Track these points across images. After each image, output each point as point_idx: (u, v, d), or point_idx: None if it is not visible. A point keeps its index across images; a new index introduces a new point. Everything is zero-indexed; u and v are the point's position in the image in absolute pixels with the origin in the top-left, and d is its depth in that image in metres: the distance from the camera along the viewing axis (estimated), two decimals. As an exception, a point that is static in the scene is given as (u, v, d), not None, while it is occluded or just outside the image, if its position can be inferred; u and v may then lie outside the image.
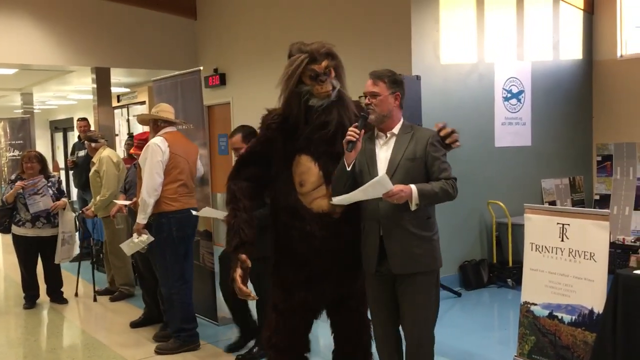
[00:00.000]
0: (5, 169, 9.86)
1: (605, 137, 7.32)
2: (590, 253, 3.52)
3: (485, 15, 6.43)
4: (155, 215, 4.44)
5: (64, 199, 6.06)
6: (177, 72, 5.75)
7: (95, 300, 6.19)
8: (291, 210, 3.07)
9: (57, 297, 6.18)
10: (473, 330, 5.06)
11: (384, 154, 2.97)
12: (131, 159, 6.06)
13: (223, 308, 4.78)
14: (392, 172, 2.90)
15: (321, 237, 3.02)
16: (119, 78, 11.04)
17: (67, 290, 6.33)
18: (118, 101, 13.41)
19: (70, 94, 13.82)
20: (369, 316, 3.25)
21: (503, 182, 6.60)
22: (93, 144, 6.36)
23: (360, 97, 3.09)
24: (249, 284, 3.18)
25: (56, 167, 9.63)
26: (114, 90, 11.42)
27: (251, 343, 4.48)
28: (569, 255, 3.62)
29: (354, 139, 2.86)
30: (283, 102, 3.13)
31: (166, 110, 4.72)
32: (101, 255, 6.95)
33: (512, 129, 6.74)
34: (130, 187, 5.26)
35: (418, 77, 5.38)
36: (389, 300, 3.03)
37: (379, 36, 6.28)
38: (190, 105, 5.32)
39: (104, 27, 8.77)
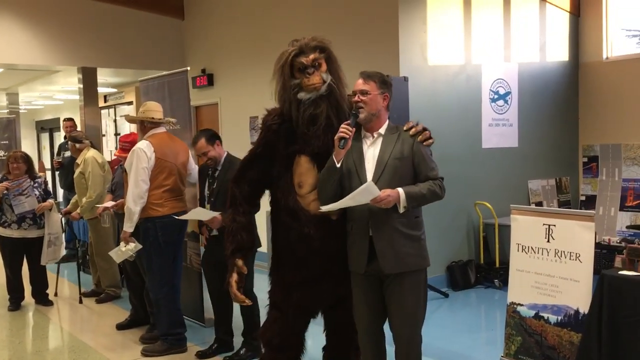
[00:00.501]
0: (-10, 169, 9.76)
1: (591, 138, 7.38)
2: (576, 254, 3.54)
3: (473, 17, 6.46)
4: (142, 220, 4.41)
5: (50, 200, 6.00)
6: (164, 73, 5.72)
7: (81, 302, 6.14)
8: (290, 212, 3.07)
9: (42, 299, 6.12)
10: (460, 331, 5.08)
11: (371, 153, 2.99)
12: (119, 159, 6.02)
13: (210, 310, 4.76)
14: (380, 172, 2.91)
15: (319, 239, 3.03)
16: (105, 78, 10.97)
17: (52, 292, 6.28)
18: (105, 101, 13.33)
19: (57, 94, 13.71)
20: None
21: (490, 183, 6.63)
22: (77, 145, 6.29)
23: (348, 95, 3.08)
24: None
25: (42, 168, 9.54)
26: (101, 90, 11.34)
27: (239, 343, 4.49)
28: (554, 256, 3.64)
29: (347, 136, 2.86)
30: (278, 98, 3.12)
31: (153, 110, 4.65)
32: (87, 256, 6.90)
33: (499, 130, 6.78)
34: (117, 188, 5.23)
35: (406, 78, 5.40)
36: (377, 301, 3.03)
37: (367, 37, 6.29)
38: (177, 105, 5.29)
39: (91, 27, 8.71)
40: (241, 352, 4.36)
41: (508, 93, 6.85)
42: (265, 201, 3.33)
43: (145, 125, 4.62)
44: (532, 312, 3.74)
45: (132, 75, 10.36)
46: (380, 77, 3.01)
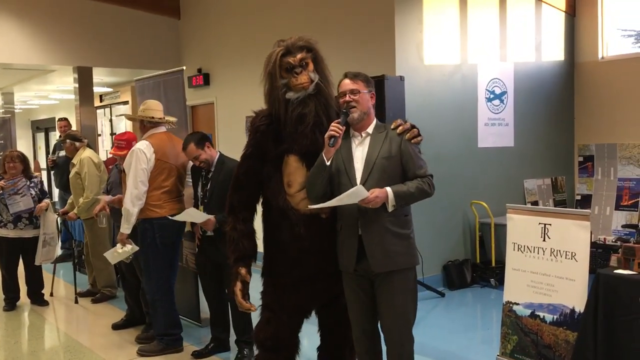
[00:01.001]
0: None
1: (587, 138, 7.40)
2: (572, 253, 3.55)
3: (469, 17, 6.47)
4: (140, 221, 4.38)
5: (47, 200, 5.99)
6: (160, 72, 5.71)
7: (76, 302, 6.12)
8: (280, 211, 3.07)
9: (37, 299, 6.11)
10: (456, 330, 5.08)
11: (360, 153, 2.99)
12: (115, 159, 6.00)
13: (206, 309, 4.76)
14: (368, 171, 2.92)
15: (310, 238, 3.02)
16: (101, 77, 10.94)
17: (47, 292, 6.27)
18: (100, 101, 13.29)
19: (52, 93, 13.66)
20: None
21: (486, 183, 6.64)
22: (77, 143, 6.27)
23: (336, 96, 3.08)
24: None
25: (37, 168, 9.50)
26: (97, 89, 11.30)
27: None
28: (550, 255, 3.65)
29: (337, 134, 2.86)
30: (267, 100, 3.12)
31: (153, 108, 4.61)
32: (82, 256, 6.88)
33: (495, 129, 6.79)
34: (113, 187, 5.20)
35: (402, 78, 5.40)
36: (369, 299, 3.04)
37: (363, 37, 6.29)
38: (173, 105, 5.28)
39: (86, 26, 8.68)
40: (245, 352, 4.33)
41: (504, 92, 6.86)
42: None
43: (145, 125, 4.57)
44: (528, 311, 3.75)
45: (128, 74, 10.33)
46: (365, 77, 3.04)
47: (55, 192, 8.77)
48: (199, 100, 8.91)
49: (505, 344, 3.88)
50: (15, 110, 14.01)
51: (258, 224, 3.28)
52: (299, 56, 3.02)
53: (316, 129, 3.00)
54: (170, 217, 4.33)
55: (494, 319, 5.32)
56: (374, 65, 5.81)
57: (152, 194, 4.37)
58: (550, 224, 3.67)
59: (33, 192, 5.85)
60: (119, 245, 4.44)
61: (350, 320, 3.14)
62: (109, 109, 13.34)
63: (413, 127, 3.00)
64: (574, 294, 3.52)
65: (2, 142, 9.16)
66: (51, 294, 6.35)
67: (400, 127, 2.99)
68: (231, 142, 6.53)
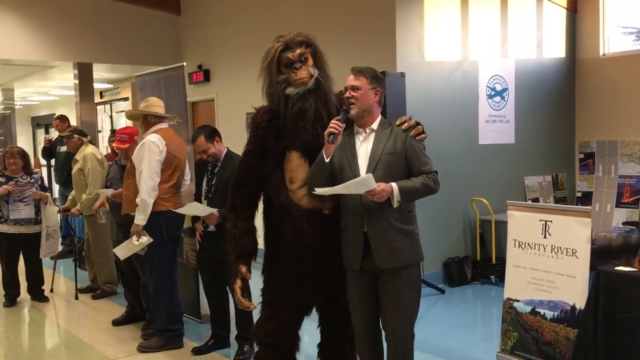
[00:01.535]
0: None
1: (588, 134, 7.39)
2: (572, 249, 3.54)
3: (470, 13, 6.45)
4: None
5: (47, 194, 5.99)
6: (160, 68, 5.70)
7: (77, 298, 6.12)
8: (282, 208, 3.06)
9: (38, 295, 6.11)
10: (456, 327, 5.08)
11: (364, 149, 2.98)
12: (114, 154, 6.00)
13: (206, 305, 4.75)
14: (373, 167, 2.91)
15: (312, 234, 3.01)
16: (101, 74, 10.93)
17: (47, 288, 6.27)
18: (101, 97, 13.29)
19: (52, 89, 13.66)
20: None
21: (486, 180, 6.64)
22: (84, 138, 6.31)
23: (340, 91, 3.07)
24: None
25: (38, 164, 9.50)
26: (97, 86, 11.30)
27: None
28: (551, 252, 3.65)
29: (336, 131, 2.85)
30: (265, 95, 3.12)
31: (156, 105, 4.61)
32: (83, 252, 6.88)
33: (496, 126, 6.78)
34: (112, 183, 5.20)
35: (403, 74, 5.39)
36: (372, 297, 3.03)
37: (364, 33, 6.28)
38: (173, 101, 5.27)
39: (87, 22, 8.67)
40: (245, 348, 4.33)
41: (505, 89, 6.85)
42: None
43: (148, 121, 4.56)
44: (529, 308, 3.75)
45: (128, 70, 10.33)
46: (372, 72, 3.00)
47: (56, 188, 8.77)
48: (200, 97, 8.90)
49: (506, 341, 3.88)
50: (16, 107, 14.00)
51: (258, 221, 3.28)
52: (298, 51, 3.01)
53: (317, 124, 2.99)
54: (174, 211, 4.34)
55: (495, 315, 5.32)
56: (374, 61, 5.74)
57: (161, 187, 4.38)
58: (551, 221, 3.67)
59: (34, 189, 5.85)
60: (134, 238, 4.36)
61: (352, 318, 3.13)
62: (109, 105, 13.35)
63: (418, 124, 2.99)
64: (574, 291, 3.52)
65: (2, 138, 9.14)
66: (51, 290, 6.36)
67: (406, 124, 2.97)
68: (232, 139, 6.49)
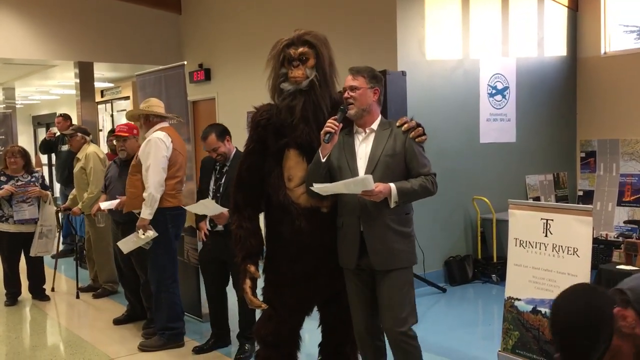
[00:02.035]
0: (-12, 163, 9.71)
1: (589, 133, 7.38)
2: (574, 248, 3.54)
3: (471, 12, 6.44)
4: None
5: (47, 192, 5.99)
6: (161, 67, 5.69)
7: (78, 297, 6.12)
8: (281, 206, 3.06)
9: (39, 293, 6.11)
10: (457, 326, 5.08)
11: (363, 149, 2.98)
12: (113, 154, 5.99)
13: (207, 304, 4.75)
14: (372, 168, 2.91)
15: (310, 232, 3.02)
16: (102, 73, 10.93)
17: (49, 287, 6.27)
18: (102, 96, 13.30)
19: (53, 88, 13.67)
20: None
21: (488, 178, 6.63)
22: (87, 137, 6.31)
23: (339, 92, 3.07)
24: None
25: (39, 163, 9.50)
26: (98, 85, 11.29)
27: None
28: (552, 251, 3.64)
29: (332, 131, 2.85)
30: (270, 88, 3.13)
31: (157, 105, 4.64)
32: (84, 251, 6.89)
33: (497, 125, 6.77)
34: (110, 182, 5.19)
35: (404, 73, 5.38)
36: (370, 295, 3.03)
37: (365, 32, 6.27)
38: (174, 100, 5.27)
39: (88, 21, 8.67)
40: (246, 347, 4.32)
41: (506, 88, 6.84)
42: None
43: (150, 120, 4.57)
44: (530, 307, 3.74)
45: (129, 69, 10.32)
46: (370, 72, 3.00)
47: (57, 187, 8.77)
48: (200, 96, 8.90)
49: (507, 340, 3.88)
50: (17, 106, 14.01)
51: (261, 220, 3.28)
52: (299, 50, 3.01)
53: (311, 124, 3.00)
54: (184, 208, 4.35)
55: (495, 314, 5.32)
56: (375, 60, 5.76)
57: (167, 183, 4.40)
58: (552, 220, 3.66)
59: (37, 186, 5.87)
60: (140, 232, 4.34)
61: (352, 316, 3.13)
62: (110, 104, 13.34)
63: (419, 125, 2.98)
64: (575, 289, 3.51)
65: (3, 137, 9.16)
66: (52, 289, 6.36)
67: (406, 125, 2.97)
68: (233, 138, 6.50)
